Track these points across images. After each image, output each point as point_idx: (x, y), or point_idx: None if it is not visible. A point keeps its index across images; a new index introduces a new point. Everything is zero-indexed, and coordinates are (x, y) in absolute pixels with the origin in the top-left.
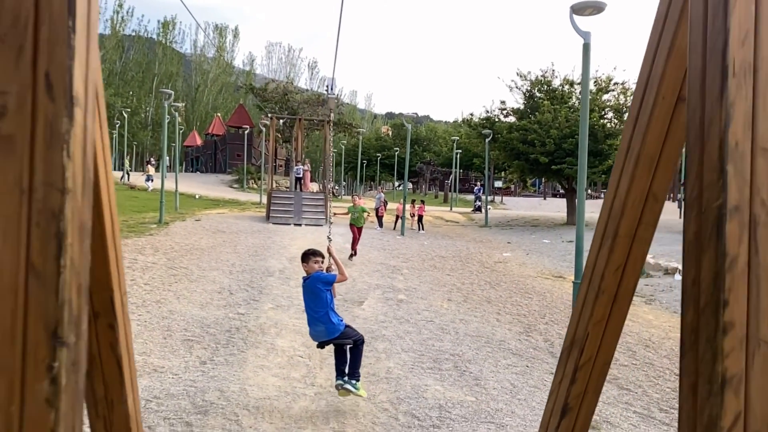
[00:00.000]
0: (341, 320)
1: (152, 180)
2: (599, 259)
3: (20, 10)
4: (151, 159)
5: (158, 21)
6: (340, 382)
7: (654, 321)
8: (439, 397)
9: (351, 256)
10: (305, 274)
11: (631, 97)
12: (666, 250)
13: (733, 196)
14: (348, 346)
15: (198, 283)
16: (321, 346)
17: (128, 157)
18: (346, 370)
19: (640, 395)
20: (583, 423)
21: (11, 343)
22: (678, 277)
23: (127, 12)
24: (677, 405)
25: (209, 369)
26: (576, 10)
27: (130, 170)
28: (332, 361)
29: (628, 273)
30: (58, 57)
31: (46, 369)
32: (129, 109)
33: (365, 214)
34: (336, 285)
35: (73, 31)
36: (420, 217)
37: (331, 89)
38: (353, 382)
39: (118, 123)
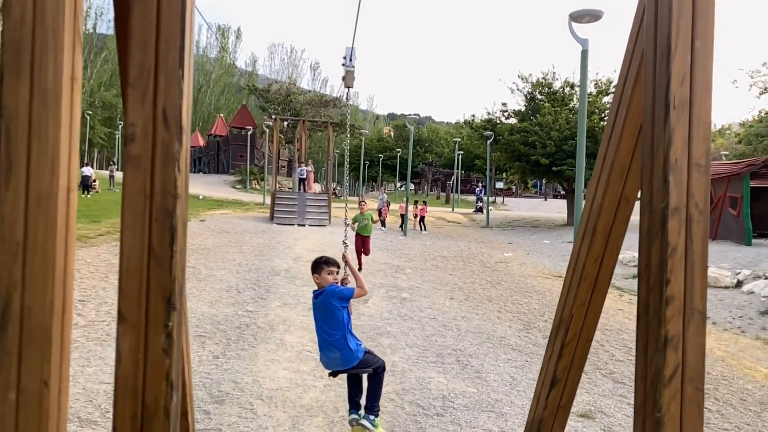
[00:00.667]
0: (360, 344)
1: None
2: (581, 252)
3: (145, 62)
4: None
5: None
6: (354, 416)
7: None
8: (442, 388)
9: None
10: (316, 288)
11: None
12: None
13: (674, 200)
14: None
15: (206, 281)
16: (334, 374)
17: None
18: (362, 402)
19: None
20: (569, 393)
21: (138, 308)
22: None
23: None
24: None
25: (222, 363)
26: (574, 17)
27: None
28: None
29: (605, 263)
30: (172, 98)
31: (163, 327)
32: None
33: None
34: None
35: (182, 79)
36: (422, 218)
37: (350, 60)
38: (371, 417)
39: (121, 124)
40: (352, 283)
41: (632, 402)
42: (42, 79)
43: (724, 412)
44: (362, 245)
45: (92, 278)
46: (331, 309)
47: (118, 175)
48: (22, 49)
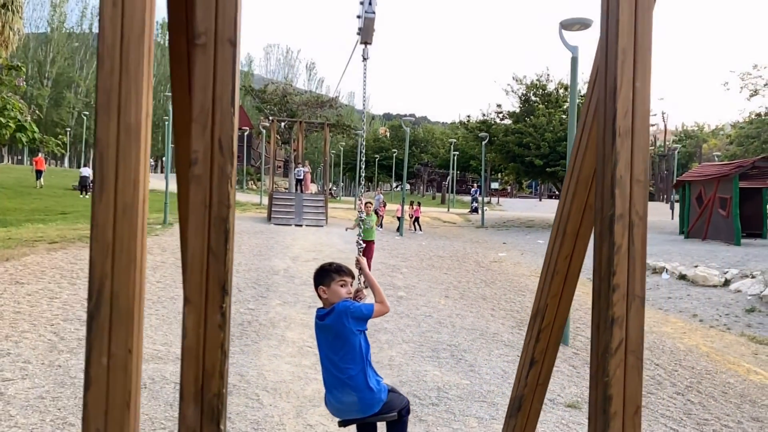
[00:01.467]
0: (381, 381)
1: None
2: (553, 251)
3: (205, 103)
4: None
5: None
6: None
7: None
8: (437, 380)
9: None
10: (321, 306)
11: None
12: (655, 250)
13: (619, 208)
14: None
15: None
16: (344, 424)
17: None
18: None
19: None
20: (546, 372)
21: (199, 294)
22: (665, 276)
23: None
24: (655, 392)
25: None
26: (565, 25)
27: None
28: None
29: (574, 260)
30: (225, 130)
31: (218, 308)
32: None
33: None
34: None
35: (234, 114)
36: (416, 219)
37: (370, 3)
38: None
39: None
40: (368, 298)
41: None
42: (126, 117)
43: (706, 404)
44: (365, 251)
45: None
46: (344, 334)
47: None
48: (111, 93)
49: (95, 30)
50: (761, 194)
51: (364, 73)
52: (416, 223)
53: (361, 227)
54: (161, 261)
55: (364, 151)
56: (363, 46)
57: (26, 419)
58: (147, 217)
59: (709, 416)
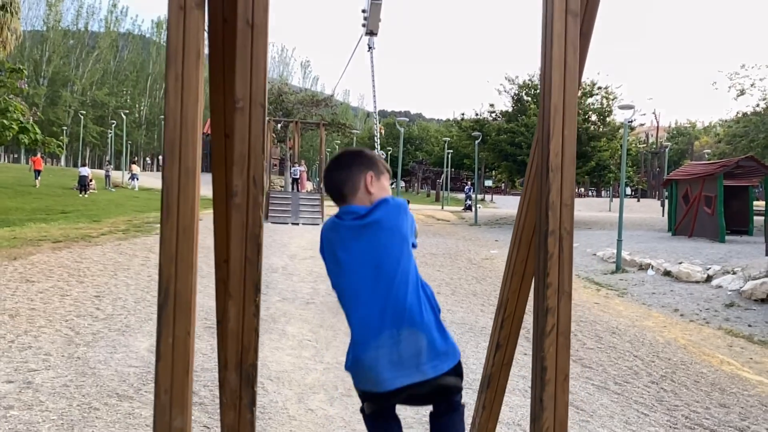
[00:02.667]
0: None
1: (137, 179)
2: (512, 254)
3: (242, 150)
4: (135, 158)
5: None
6: None
7: (624, 311)
8: None
9: None
10: (348, 205)
11: (614, 101)
12: (642, 247)
13: (551, 226)
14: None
15: (209, 278)
16: (387, 399)
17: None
18: None
19: (600, 372)
20: (509, 354)
21: (239, 290)
22: (651, 272)
23: (121, 11)
24: (631, 381)
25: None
26: None
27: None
28: (337, 343)
29: (529, 263)
30: (258, 170)
31: (253, 302)
32: (127, 111)
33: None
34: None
35: (264, 159)
36: None
37: None
38: None
39: (113, 123)
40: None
41: (597, 384)
42: (185, 161)
43: (678, 392)
44: None
45: (103, 275)
46: (400, 237)
47: (115, 175)
48: (175, 143)
49: (91, 28)
50: (747, 192)
51: (372, 63)
52: None
53: None
54: None
55: (379, 142)
56: (368, 37)
57: (55, 404)
58: (198, 234)
59: (680, 402)
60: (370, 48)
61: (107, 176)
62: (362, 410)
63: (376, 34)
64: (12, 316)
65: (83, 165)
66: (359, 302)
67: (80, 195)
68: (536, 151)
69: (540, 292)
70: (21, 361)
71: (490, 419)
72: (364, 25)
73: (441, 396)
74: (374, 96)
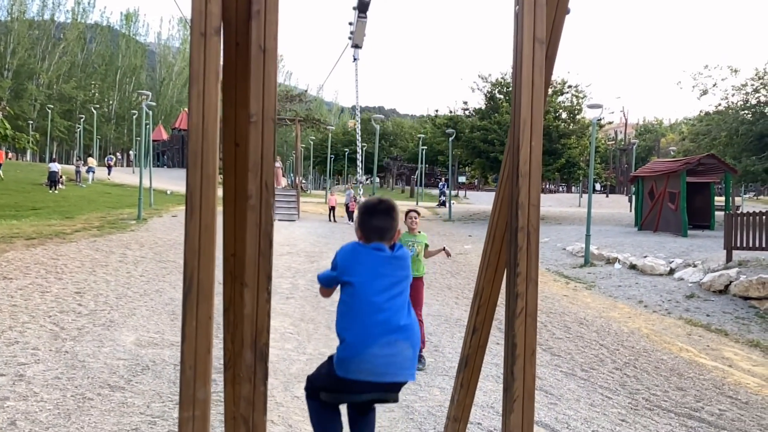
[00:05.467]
0: None
1: (94, 171)
2: (487, 247)
3: (256, 159)
4: (91, 152)
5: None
6: None
7: (591, 303)
8: None
9: (420, 356)
10: (382, 242)
11: (584, 99)
12: (610, 242)
13: (521, 223)
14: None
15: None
16: (361, 398)
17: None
18: None
19: (568, 360)
20: (484, 337)
21: (254, 280)
22: (617, 266)
23: (89, 2)
24: (597, 367)
25: (216, 343)
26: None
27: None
28: (318, 336)
29: (502, 255)
30: (269, 176)
31: (266, 290)
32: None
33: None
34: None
35: (274, 166)
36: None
37: (364, 11)
38: None
39: (82, 117)
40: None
41: (565, 370)
42: (206, 168)
43: (639, 377)
44: (412, 292)
45: (81, 272)
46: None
47: (69, 169)
48: (197, 153)
49: (57, 19)
50: (709, 188)
51: (356, 74)
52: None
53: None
54: (141, 256)
55: (360, 149)
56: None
57: (49, 395)
58: (216, 231)
59: (641, 387)
60: (355, 59)
61: (77, 172)
62: (311, 397)
63: (360, 47)
64: None
65: (53, 160)
66: (372, 313)
67: (50, 191)
68: (508, 158)
69: (511, 280)
70: (10, 356)
71: (468, 396)
72: (350, 38)
73: (391, 396)
74: (357, 107)
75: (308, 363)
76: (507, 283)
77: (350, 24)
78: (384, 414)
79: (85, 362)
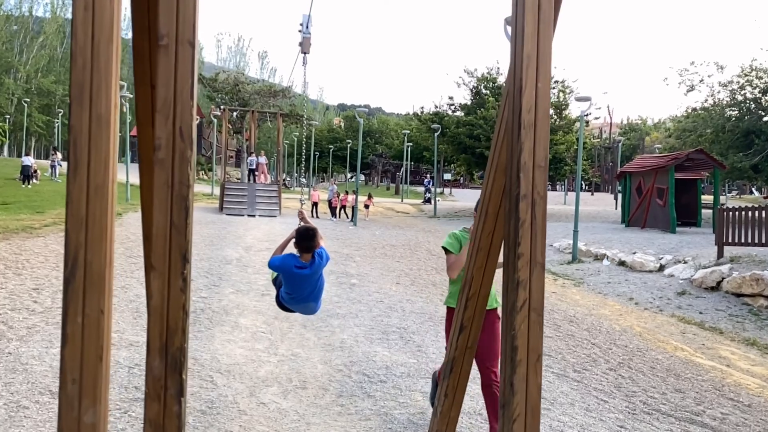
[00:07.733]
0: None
1: (60, 165)
2: (478, 229)
3: (167, 96)
4: (56, 145)
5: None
6: None
7: (580, 301)
8: (386, 360)
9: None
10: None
11: (570, 95)
12: (597, 238)
13: (523, 189)
14: None
15: None
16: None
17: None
18: None
19: (559, 360)
20: (473, 337)
21: (163, 261)
22: (606, 262)
23: None
24: (590, 368)
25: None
26: (509, 21)
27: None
28: (292, 335)
29: (495, 237)
30: (186, 120)
31: (180, 274)
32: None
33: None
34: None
35: (193, 107)
36: (343, 207)
37: (306, 27)
38: None
39: (60, 112)
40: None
41: (556, 371)
42: (97, 108)
43: (635, 378)
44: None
45: (43, 267)
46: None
47: (42, 163)
48: (84, 86)
49: (36, 13)
50: (696, 185)
51: (305, 78)
52: (344, 211)
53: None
54: None
55: (306, 146)
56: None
57: None
58: (116, 195)
59: (637, 389)
60: (304, 64)
61: (53, 166)
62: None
63: (308, 53)
64: None
65: (27, 154)
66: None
67: (23, 185)
68: (505, 107)
69: (510, 264)
70: None
71: (453, 407)
72: (300, 44)
73: None
74: (305, 106)
75: (279, 365)
76: (505, 268)
77: (300, 25)
78: (359, 423)
79: (27, 365)
